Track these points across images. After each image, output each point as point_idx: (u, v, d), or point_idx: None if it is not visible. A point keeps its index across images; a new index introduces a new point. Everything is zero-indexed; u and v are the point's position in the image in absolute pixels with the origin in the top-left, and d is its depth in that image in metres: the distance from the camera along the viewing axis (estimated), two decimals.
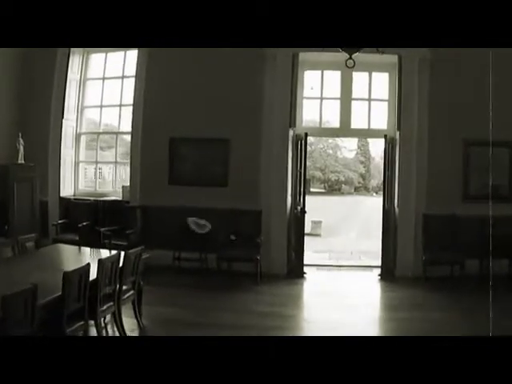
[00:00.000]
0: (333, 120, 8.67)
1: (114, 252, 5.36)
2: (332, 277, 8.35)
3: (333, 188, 41.82)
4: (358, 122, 8.54)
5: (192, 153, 8.43)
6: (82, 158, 9.83)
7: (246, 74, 8.19)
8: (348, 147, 42.25)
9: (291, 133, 8.17)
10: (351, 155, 42.90)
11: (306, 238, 15.92)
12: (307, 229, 16.98)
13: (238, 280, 7.60)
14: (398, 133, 8.09)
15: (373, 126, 8.54)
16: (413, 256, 7.97)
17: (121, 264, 5.15)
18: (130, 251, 5.43)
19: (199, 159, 8.41)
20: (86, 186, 10.01)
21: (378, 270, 8.31)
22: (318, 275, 8.32)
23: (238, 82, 8.26)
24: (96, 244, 7.90)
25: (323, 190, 41.07)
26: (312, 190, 40.07)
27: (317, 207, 26.82)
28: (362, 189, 42.76)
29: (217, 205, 8.17)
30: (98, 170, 10.09)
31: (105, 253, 5.68)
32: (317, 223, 17.57)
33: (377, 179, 42.22)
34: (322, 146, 40.38)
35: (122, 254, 5.25)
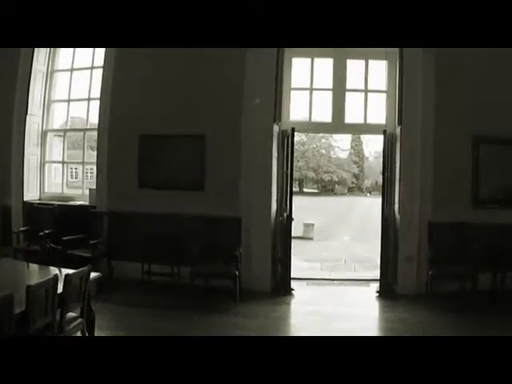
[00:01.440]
0: (324, 114, 7.41)
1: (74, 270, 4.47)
2: (324, 293, 7.08)
3: (326, 188, 41.34)
4: (352, 115, 7.32)
5: (164, 152, 7.23)
6: (48, 157, 8.68)
7: (223, 62, 6.91)
8: (341, 147, 41.93)
9: (276, 128, 6.94)
10: (344, 155, 42.41)
11: (297, 241, 14.92)
12: (299, 232, 16.15)
13: (213, 298, 6.39)
14: (398, 128, 6.87)
15: (370, 121, 7.30)
16: (416, 270, 6.77)
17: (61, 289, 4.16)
18: (73, 272, 4.43)
19: (172, 159, 7.20)
20: (55, 188, 8.85)
21: (376, 285, 7.10)
22: (307, 291, 7.09)
23: (215, 71, 7.04)
24: (57, 255, 6.96)
25: (316, 191, 40.69)
26: (305, 190, 39.66)
27: (309, 208, 25.89)
28: (355, 189, 42.36)
29: (191, 211, 6.97)
30: (66, 171, 8.89)
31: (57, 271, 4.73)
32: (309, 226, 16.65)
33: (370, 179, 41.87)
34: (315, 146, 39.86)
35: (66, 272, 4.37)
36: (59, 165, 8.72)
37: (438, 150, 6.73)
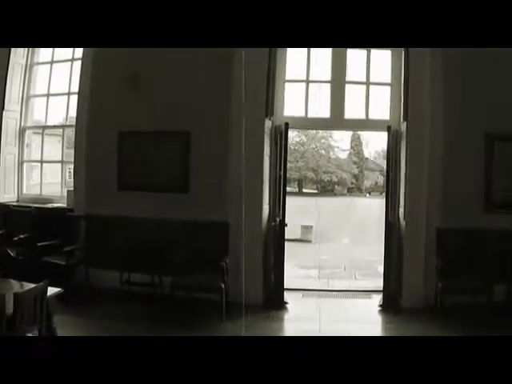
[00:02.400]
0: (322, 108, 6.67)
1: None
2: (320, 307, 6.29)
3: (325, 189, 40.67)
4: (353, 110, 6.59)
5: (145, 150, 6.52)
6: (26, 156, 8.03)
7: (210, 52, 6.10)
8: (341, 147, 41.30)
9: (268, 124, 6.20)
10: (344, 155, 41.77)
11: (295, 244, 14.24)
12: (297, 234, 15.44)
13: (198, 313, 5.66)
14: (404, 124, 6.13)
15: (372, 116, 6.55)
16: (422, 281, 6.03)
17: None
18: (25, 290, 3.92)
19: (154, 158, 6.48)
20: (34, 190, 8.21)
21: (379, 296, 6.37)
22: (302, 305, 6.32)
23: (201, 62, 6.28)
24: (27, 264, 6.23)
25: (316, 191, 40.14)
26: (304, 190, 39.10)
27: (308, 209, 25.16)
28: (355, 190, 41.70)
29: (175, 215, 6.26)
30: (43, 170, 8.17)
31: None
32: (307, 228, 15.96)
33: (370, 180, 41.39)
34: (314, 146, 39.13)
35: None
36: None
37: (448, 148, 6.00)
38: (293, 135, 36.83)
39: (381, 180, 41.89)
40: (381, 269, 8.73)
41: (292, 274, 7.93)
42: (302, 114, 6.58)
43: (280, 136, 6.15)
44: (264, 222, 6.20)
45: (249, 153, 6.05)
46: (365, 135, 41.43)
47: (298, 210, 24.33)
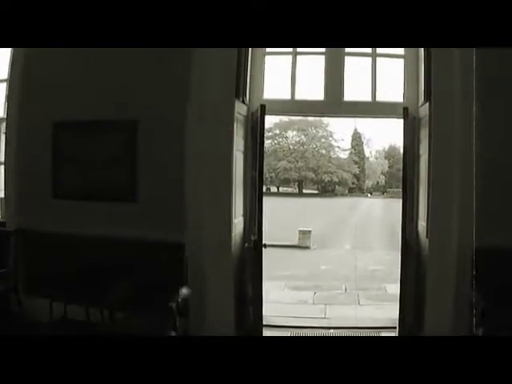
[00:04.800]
0: (314, 88, 4.92)
1: None
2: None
3: (326, 189, 39.21)
4: (355, 91, 4.84)
5: (83, 146, 4.79)
6: None
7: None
8: (341, 147, 39.99)
9: (241, 108, 4.44)
10: (345, 155, 40.34)
11: (291, 251, 12.59)
12: (294, 240, 13.79)
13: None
14: (425, 107, 4.37)
15: (380, 98, 4.79)
16: (452, 320, 4.28)
17: None
18: None
19: (93, 157, 4.74)
20: None
21: (391, 335, 4.66)
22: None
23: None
24: None
25: (316, 192, 38.80)
26: (305, 191, 37.76)
27: (308, 211, 23.63)
28: (356, 190, 40.29)
29: (119, 231, 4.51)
30: None
31: None
32: (305, 233, 14.36)
33: (372, 180, 40.27)
34: (314, 146, 37.71)
35: None
36: None
37: (486, 139, 4.22)
38: (292, 134, 35.43)
39: (382, 180, 40.48)
40: (389, 288, 7.19)
41: (281, 299, 6.31)
42: (287, 95, 4.80)
43: (256, 123, 4.37)
44: (237, 240, 4.43)
45: (213, 147, 4.31)
46: (366, 134, 40.02)
47: (298, 213, 22.73)
